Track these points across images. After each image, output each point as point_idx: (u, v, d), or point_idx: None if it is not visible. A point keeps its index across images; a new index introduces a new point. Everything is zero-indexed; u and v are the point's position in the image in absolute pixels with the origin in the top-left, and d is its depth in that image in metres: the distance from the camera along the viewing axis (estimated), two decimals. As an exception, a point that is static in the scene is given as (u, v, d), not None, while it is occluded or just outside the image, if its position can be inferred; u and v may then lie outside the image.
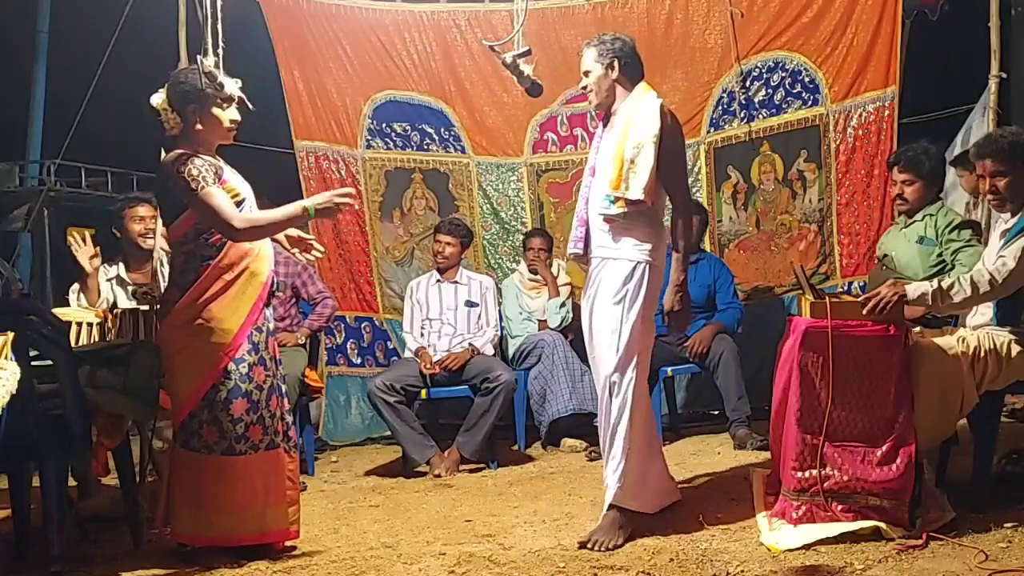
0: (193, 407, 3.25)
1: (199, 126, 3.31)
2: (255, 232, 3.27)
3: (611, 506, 3.34)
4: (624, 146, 3.39)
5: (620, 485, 3.34)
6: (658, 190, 3.42)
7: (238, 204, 3.29)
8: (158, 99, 3.36)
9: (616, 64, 3.46)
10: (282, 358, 4.60)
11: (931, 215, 4.00)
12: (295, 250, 3.66)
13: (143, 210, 4.59)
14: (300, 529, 3.46)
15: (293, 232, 3.58)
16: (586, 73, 3.52)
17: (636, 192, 3.34)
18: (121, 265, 4.65)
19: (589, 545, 3.24)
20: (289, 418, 3.46)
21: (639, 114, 3.41)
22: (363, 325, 6.00)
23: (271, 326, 3.43)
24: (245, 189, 3.39)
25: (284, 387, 3.48)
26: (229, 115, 3.35)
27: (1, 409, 2.72)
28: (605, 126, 3.57)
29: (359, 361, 5.98)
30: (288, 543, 3.42)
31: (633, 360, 3.36)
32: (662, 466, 3.64)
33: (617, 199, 3.36)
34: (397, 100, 5.95)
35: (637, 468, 3.39)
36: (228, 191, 3.27)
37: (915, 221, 4.06)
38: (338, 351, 5.97)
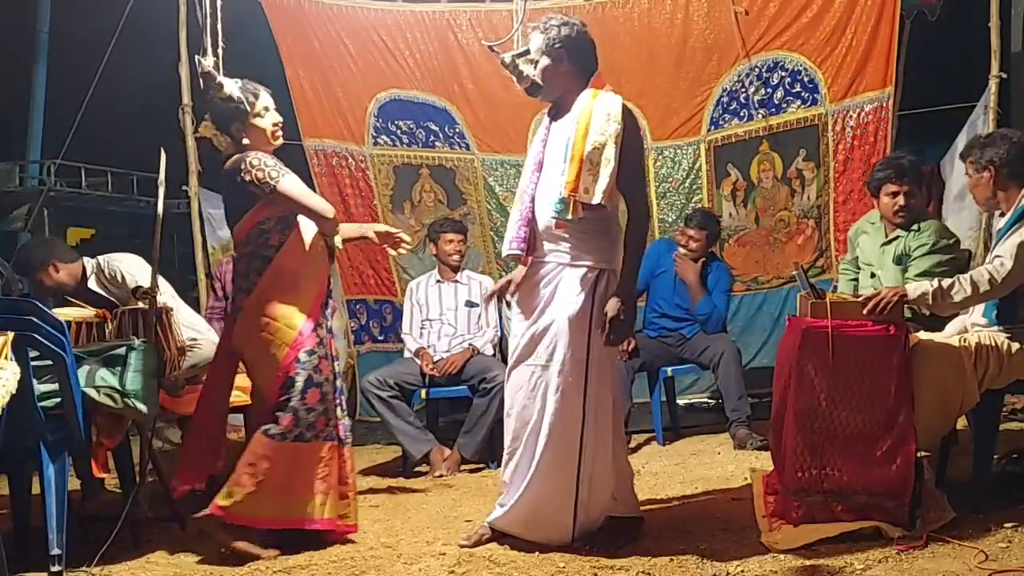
0: (273, 399, 3.37)
1: (246, 140, 3.45)
2: (337, 224, 3.46)
3: (611, 517, 3.30)
4: (581, 145, 3.15)
5: (619, 496, 3.30)
6: (614, 192, 3.21)
7: None
8: (207, 127, 3.50)
9: (565, 55, 3.24)
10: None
11: (916, 230, 4.02)
12: (384, 245, 3.81)
13: (70, 266, 4.17)
14: (356, 524, 3.55)
15: (381, 228, 3.83)
16: (533, 61, 3.29)
17: (597, 196, 3.12)
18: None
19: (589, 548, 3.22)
20: (340, 413, 3.55)
21: (598, 110, 3.16)
22: (384, 307, 6.21)
23: (330, 324, 3.54)
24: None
25: (339, 383, 3.59)
26: (271, 119, 3.49)
27: (1, 409, 2.72)
28: (553, 119, 3.34)
29: (383, 338, 6.23)
30: (347, 536, 3.51)
31: (602, 372, 3.21)
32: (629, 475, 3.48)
33: (574, 203, 3.13)
34: (401, 99, 5.98)
35: (628, 475, 3.37)
36: None
37: (898, 237, 4.05)
38: (363, 331, 6.25)
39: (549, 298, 3.26)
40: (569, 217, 3.16)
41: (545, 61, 3.27)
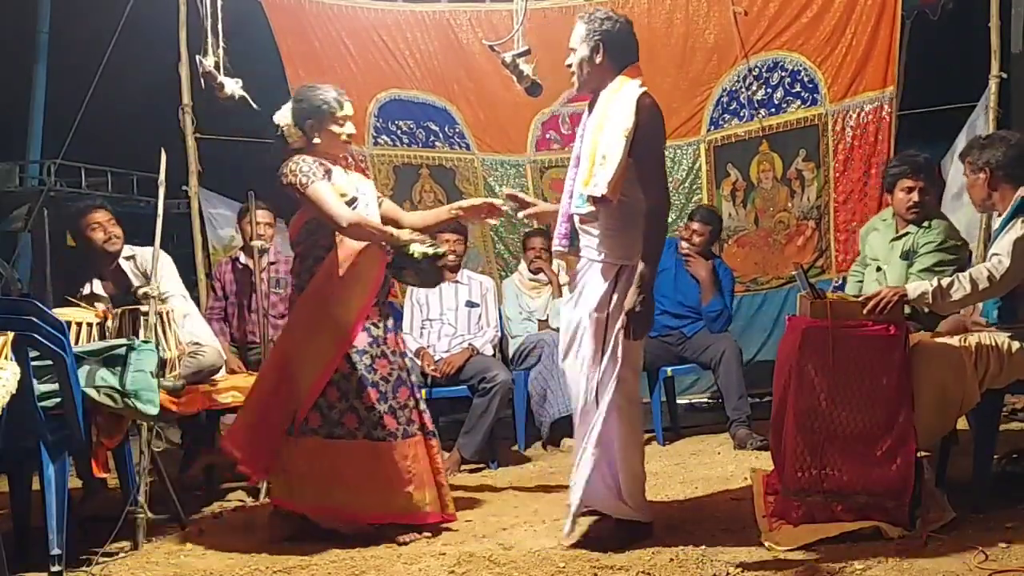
0: (327, 396, 3.45)
1: (317, 139, 3.55)
2: (359, 230, 3.45)
3: (619, 520, 3.30)
4: (598, 140, 3.18)
5: (629, 498, 3.27)
6: (635, 186, 3.18)
7: (348, 204, 3.49)
8: (282, 116, 3.58)
9: (602, 48, 3.19)
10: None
11: (927, 227, 4.05)
12: (479, 217, 3.83)
13: (100, 215, 4.38)
14: (454, 511, 3.65)
15: (476, 201, 3.84)
16: (572, 49, 3.28)
17: (600, 188, 3.11)
18: (95, 281, 4.36)
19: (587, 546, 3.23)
20: (423, 406, 3.63)
21: (614, 106, 3.16)
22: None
23: (391, 322, 3.62)
24: (360, 189, 3.62)
25: (414, 378, 3.66)
26: (346, 130, 3.60)
27: (1, 409, 2.72)
28: (590, 111, 3.33)
29: None
30: (444, 525, 3.60)
31: (625, 366, 3.21)
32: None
33: (589, 198, 3.16)
34: (401, 99, 5.98)
35: (639, 477, 3.34)
36: (336, 190, 3.47)
37: (908, 233, 4.08)
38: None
39: (579, 293, 3.34)
40: (585, 211, 3.20)
41: (582, 52, 3.24)
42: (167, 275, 4.32)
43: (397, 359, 3.58)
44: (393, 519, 3.48)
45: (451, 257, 5.23)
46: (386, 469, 3.46)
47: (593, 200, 3.14)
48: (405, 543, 3.42)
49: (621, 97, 3.17)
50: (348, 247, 3.50)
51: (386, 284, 3.61)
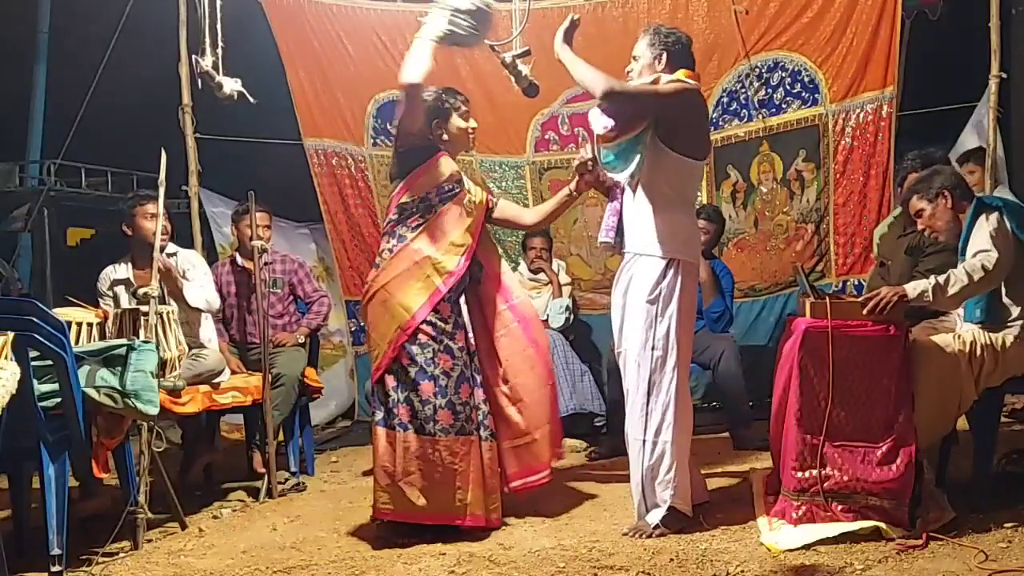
0: (384, 383, 3.47)
1: (445, 136, 3.67)
2: (546, 219, 3.85)
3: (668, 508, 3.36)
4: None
5: (675, 486, 3.34)
6: (682, 179, 3.40)
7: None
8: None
9: (664, 57, 3.44)
10: (281, 358, 4.66)
11: None
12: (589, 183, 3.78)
13: (154, 207, 4.43)
14: (501, 518, 3.60)
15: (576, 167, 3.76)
16: (635, 58, 3.52)
17: (625, 173, 3.34)
18: (128, 265, 4.54)
19: (633, 534, 3.33)
20: (485, 408, 3.61)
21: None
22: None
23: (464, 320, 3.63)
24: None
25: (479, 378, 3.64)
26: (471, 124, 3.72)
27: (1, 409, 2.72)
28: None
29: None
30: (488, 529, 3.55)
31: (672, 359, 3.34)
32: (695, 464, 3.63)
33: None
34: (400, 99, 5.95)
35: (684, 469, 3.40)
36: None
37: (916, 230, 4.09)
38: (362, 331, 6.13)
39: (626, 286, 3.43)
40: (601, 127, 3.33)
41: (647, 58, 3.47)
42: (204, 281, 4.53)
43: (463, 356, 3.55)
44: (433, 519, 3.45)
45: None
46: (432, 465, 3.44)
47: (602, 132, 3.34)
48: (407, 545, 3.40)
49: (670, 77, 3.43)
50: (434, 233, 3.54)
51: (463, 281, 3.61)
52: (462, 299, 3.70)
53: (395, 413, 3.45)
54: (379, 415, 3.50)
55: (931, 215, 3.56)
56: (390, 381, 3.47)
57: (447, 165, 3.65)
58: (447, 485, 3.45)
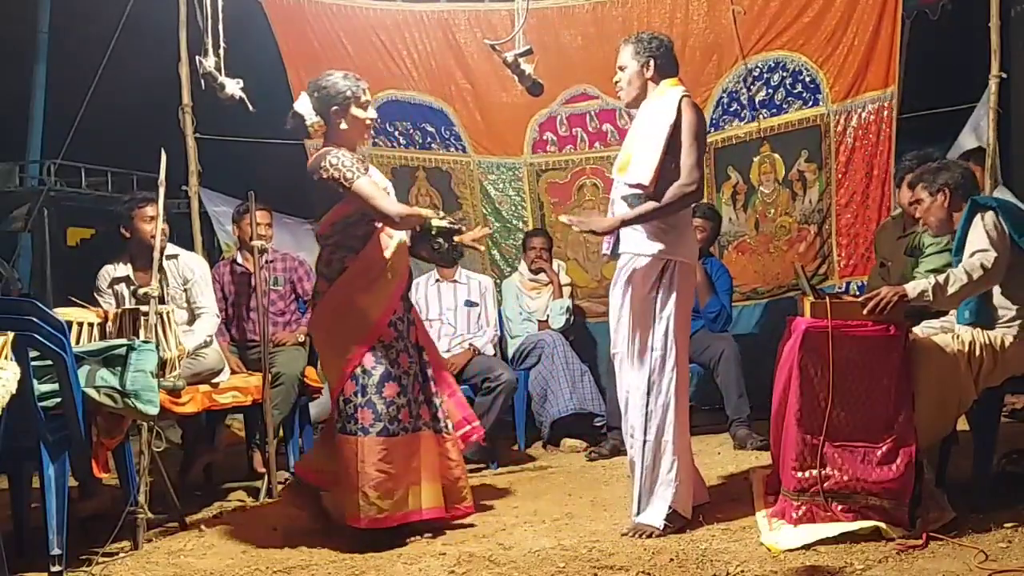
0: (344, 390, 3.45)
1: (343, 126, 3.53)
2: (408, 220, 3.53)
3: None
4: (637, 136, 3.43)
5: (676, 487, 3.35)
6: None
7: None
8: (303, 106, 3.57)
9: (652, 63, 3.46)
10: (281, 357, 4.66)
11: None
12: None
13: (152, 209, 4.45)
14: (473, 504, 3.64)
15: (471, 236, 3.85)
16: (621, 68, 3.53)
17: (636, 176, 3.33)
18: (127, 264, 4.54)
19: (633, 534, 3.33)
20: (437, 401, 3.62)
21: (658, 107, 3.42)
22: None
23: (412, 316, 3.62)
24: (387, 184, 3.66)
25: (430, 372, 3.64)
26: (369, 114, 3.60)
27: (1, 409, 2.72)
28: (634, 122, 3.58)
29: None
30: (463, 519, 3.63)
31: (671, 359, 3.36)
32: (694, 466, 3.64)
33: (629, 186, 3.37)
34: (399, 100, 5.96)
35: (685, 469, 3.41)
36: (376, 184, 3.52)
37: (915, 231, 4.10)
38: None
39: (624, 287, 3.45)
40: (629, 194, 3.35)
41: (633, 67, 3.48)
42: (204, 290, 4.53)
43: (415, 354, 3.58)
44: (398, 520, 3.44)
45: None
46: (393, 466, 3.43)
47: (630, 187, 3.34)
48: (404, 543, 3.41)
49: (665, 99, 3.41)
50: (385, 239, 3.52)
51: (411, 278, 3.64)
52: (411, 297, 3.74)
53: (356, 418, 3.42)
54: (339, 423, 3.48)
55: (927, 208, 3.59)
56: (350, 387, 3.45)
57: (373, 170, 3.62)
58: (408, 482, 3.44)
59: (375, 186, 3.47)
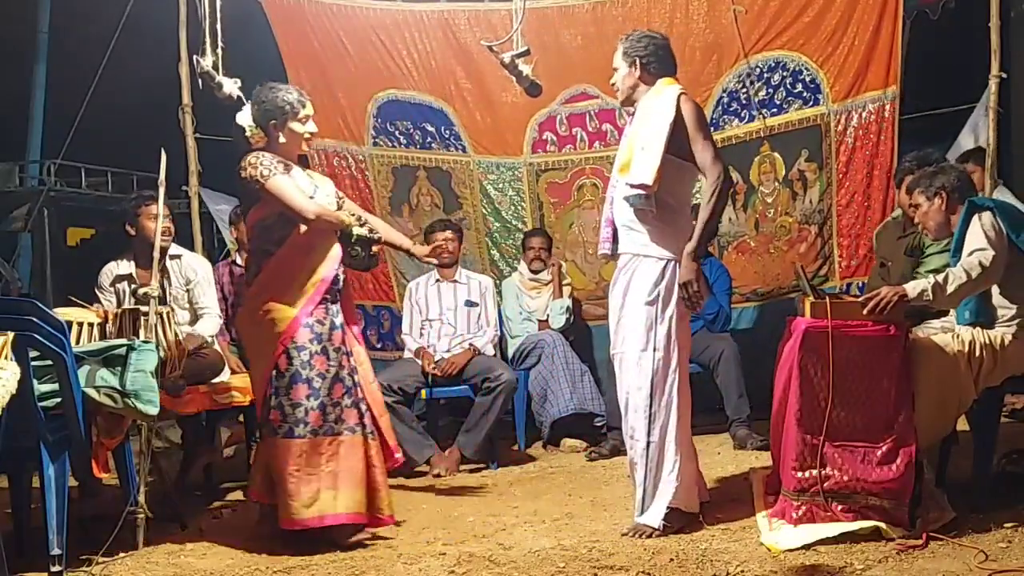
0: (262, 393, 3.48)
1: (282, 139, 3.57)
2: (323, 221, 3.50)
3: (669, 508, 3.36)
4: (636, 136, 3.40)
5: (677, 487, 3.34)
6: (680, 182, 3.42)
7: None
8: (244, 117, 3.60)
9: (638, 63, 3.46)
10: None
11: None
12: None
13: (158, 208, 4.53)
14: (394, 514, 3.60)
15: (421, 251, 3.96)
16: (615, 68, 3.54)
17: (638, 176, 3.31)
18: (131, 262, 4.53)
19: (633, 534, 3.33)
20: (363, 406, 3.57)
21: (655, 105, 3.41)
22: (381, 313, 6.19)
23: (339, 320, 3.57)
24: (321, 189, 3.64)
25: (357, 377, 3.60)
26: (308, 128, 3.62)
27: (1, 409, 2.72)
28: (631, 121, 3.56)
29: (380, 346, 6.17)
30: (376, 529, 3.56)
31: (673, 360, 3.36)
32: (696, 465, 3.63)
33: (631, 185, 3.36)
34: (399, 99, 5.97)
35: (687, 468, 3.41)
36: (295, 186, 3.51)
37: (914, 232, 4.10)
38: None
39: (625, 288, 3.43)
40: (641, 204, 3.34)
41: (623, 68, 3.49)
42: (207, 291, 4.55)
43: (338, 356, 3.52)
44: (314, 523, 3.38)
45: (445, 256, 5.26)
46: (300, 469, 3.39)
47: (632, 187, 3.33)
48: (348, 547, 3.39)
49: (662, 98, 3.40)
50: (300, 242, 3.49)
51: (337, 281, 3.58)
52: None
53: (269, 420, 3.43)
54: (260, 425, 3.50)
55: (925, 212, 3.60)
56: (268, 390, 3.45)
57: (299, 175, 3.59)
58: (316, 486, 3.40)
59: (291, 184, 3.46)
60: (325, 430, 3.45)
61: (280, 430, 3.42)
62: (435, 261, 4.18)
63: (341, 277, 3.61)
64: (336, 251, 3.57)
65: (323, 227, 3.52)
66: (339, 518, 3.42)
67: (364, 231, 3.61)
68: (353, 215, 3.66)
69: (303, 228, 3.48)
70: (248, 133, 3.58)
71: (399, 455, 3.79)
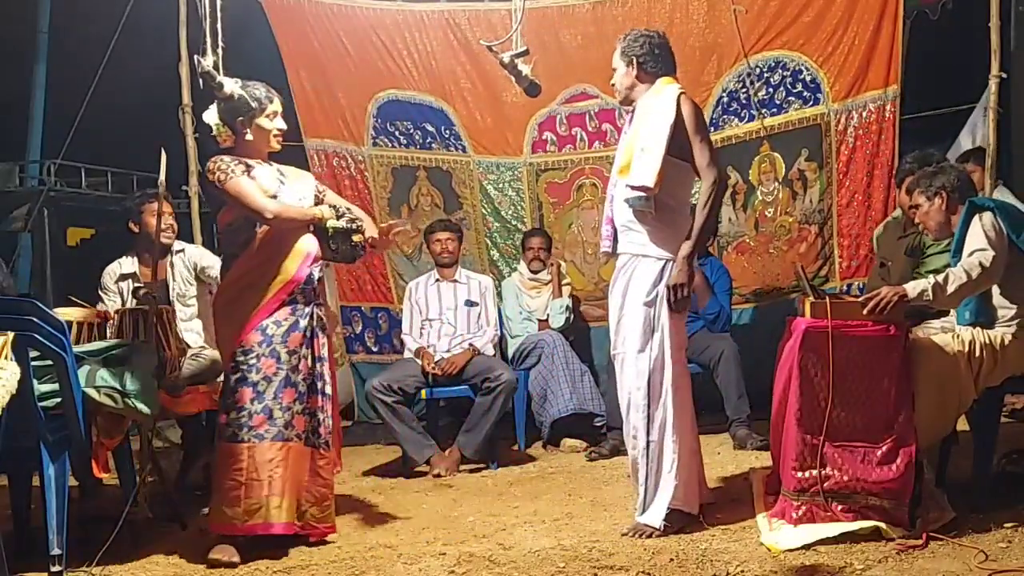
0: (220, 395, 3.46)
1: (249, 136, 3.50)
2: (283, 220, 3.42)
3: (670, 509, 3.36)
4: (636, 137, 3.40)
5: (677, 486, 3.35)
6: (680, 183, 3.42)
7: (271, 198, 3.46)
8: (211, 115, 3.54)
9: (635, 62, 3.47)
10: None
11: None
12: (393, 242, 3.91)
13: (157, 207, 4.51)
14: (334, 525, 3.54)
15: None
16: (614, 68, 3.56)
17: (639, 178, 3.32)
18: (135, 259, 4.54)
19: (633, 534, 3.33)
20: (321, 415, 3.50)
21: (654, 105, 3.41)
22: (379, 315, 6.18)
23: (304, 322, 3.47)
24: (283, 185, 3.54)
25: (321, 385, 3.51)
26: (276, 124, 3.55)
27: (1, 409, 2.72)
28: (631, 121, 3.56)
29: (377, 349, 6.19)
30: (321, 539, 3.50)
31: (672, 360, 3.37)
32: (701, 465, 3.64)
33: (635, 190, 3.36)
34: (399, 99, 5.97)
35: (688, 467, 3.41)
36: (257, 186, 3.44)
37: (915, 232, 4.10)
38: (357, 340, 6.20)
39: (624, 288, 3.45)
40: (641, 205, 3.35)
41: (621, 68, 3.52)
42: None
43: (290, 359, 3.41)
44: (246, 531, 3.32)
45: (444, 256, 5.26)
46: (240, 473, 3.30)
47: (633, 189, 3.34)
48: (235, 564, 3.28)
49: (661, 97, 3.41)
50: (263, 245, 3.42)
51: (310, 280, 3.48)
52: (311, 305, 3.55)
53: (218, 423, 3.39)
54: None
55: (925, 212, 3.60)
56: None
57: (263, 173, 3.50)
58: (256, 493, 3.31)
59: (250, 185, 3.39)
60: (274, 435, 3.35)
61: (224, 433, 3.35)
62: (403, 246, 4.06)
63: (316, 276, 3.51)
64: (306, 249, 3.47)
65: (286, 226, 3.43)
66: (272, 527, 3.33)
67: (340, 223, 3.50)
68: (333, 207, 3.57)
69: (264, 228, 3.42)
70: (215, 132, 3.52)
71: (339, 469, 3.73)
